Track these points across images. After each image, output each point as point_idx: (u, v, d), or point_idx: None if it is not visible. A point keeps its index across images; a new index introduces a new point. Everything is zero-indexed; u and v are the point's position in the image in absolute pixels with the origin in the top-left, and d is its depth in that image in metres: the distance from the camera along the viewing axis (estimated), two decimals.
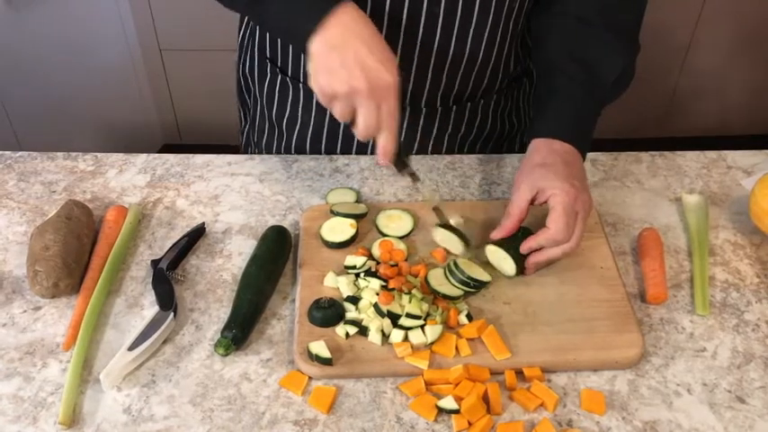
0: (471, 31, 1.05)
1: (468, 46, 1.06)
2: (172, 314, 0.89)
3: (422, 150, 1.20)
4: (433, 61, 1.07)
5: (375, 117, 0.87)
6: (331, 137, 1.19)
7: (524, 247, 0.93)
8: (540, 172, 0.93)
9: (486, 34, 1.06)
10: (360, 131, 0.89)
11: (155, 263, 0.95)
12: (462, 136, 1.21)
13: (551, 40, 1.05)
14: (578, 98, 1.00)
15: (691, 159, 1.18)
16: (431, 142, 1.20)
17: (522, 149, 1.03)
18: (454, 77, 1.10)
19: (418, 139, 1.18)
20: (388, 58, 0.87)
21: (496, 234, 0.94)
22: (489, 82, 1.14)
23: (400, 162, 0.96)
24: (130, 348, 0.85)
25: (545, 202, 0.92)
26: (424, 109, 1.14)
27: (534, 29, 1.10)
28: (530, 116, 1.29)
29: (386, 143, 0.89)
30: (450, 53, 1.06)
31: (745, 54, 2.59)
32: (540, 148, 0.97)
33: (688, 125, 2.77)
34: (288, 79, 1.16)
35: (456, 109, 1.16)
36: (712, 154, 1.20)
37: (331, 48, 0.86)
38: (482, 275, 0.93)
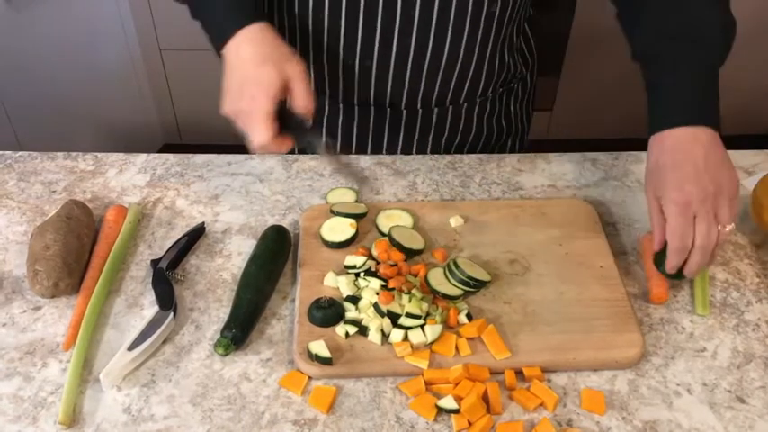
0: (448, 35, 1.05)
1: (447, 50, 1.06)
2: (171, 314, 0.89)
3: (406, 152, 1.20)
4: (410, 64, 1.08)
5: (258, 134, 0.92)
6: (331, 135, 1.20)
7: (668, 267, 0.89)
8: (653, 178, 0.89)
9: (465, 39, 1.06)
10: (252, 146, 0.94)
11: (154, 263, 0.95)
12: (447, 139, 1.21)
13: (642, 31, 0.96)
14: (686, 75, 0.91)
15: None
16: (414, 144, 1.20)
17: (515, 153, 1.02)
18: (433, 80, 1.10)
19: (401, 140, 1.18)
20: (260, 79, 0.91)
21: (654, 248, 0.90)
22: (471, 86, 1.14)
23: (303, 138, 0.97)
24: (130, 348, 0.85)
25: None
26: (404, 111, 1.14)
27: (625, 25, 1.01)
28: (522, 121, 1.29)
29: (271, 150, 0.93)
30: (428, 56, 1.07)
31: (745, 53, 2.59)
32: (652, 146, 0.91)
33: None
34: None
35: (438, 112, 1.16)
36: None
37: (227, 70, 0.95)
38: (482, 275, 0.93)
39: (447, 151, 1.22)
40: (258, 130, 0.90)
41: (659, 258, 0.90)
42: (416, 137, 1.19)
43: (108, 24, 2.35)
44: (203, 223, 1.03)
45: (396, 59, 1.07)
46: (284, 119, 0.93)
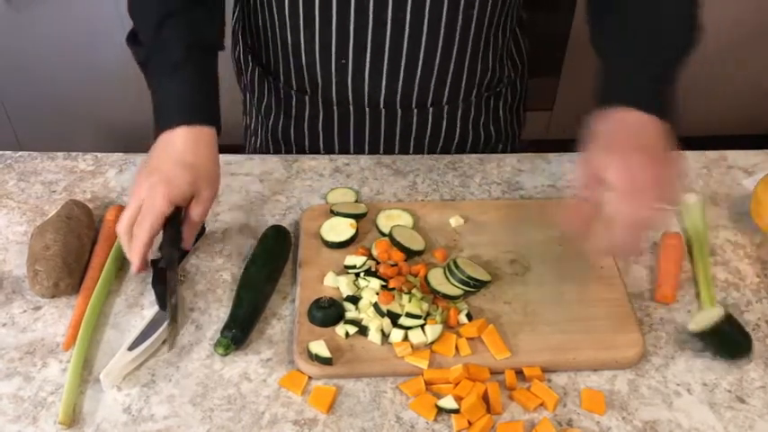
0: (423, 36, 1.04)
1: (422, 51, 1.06)
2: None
3: (388, 152, 1.19)
4: (386, 63, 1.07)
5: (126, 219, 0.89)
6: (300, 135, 1.21)
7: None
8: (599, 154, 0.82)
9: (441, 42, 1.05)
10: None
11: (154, 262, 0.95)
12: (430, 142, 1.20)
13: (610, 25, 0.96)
14: (636, 59, 0.89)
15: (691, 159, 1.18)
16: (396, 145, 1.19)
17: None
18: (411, 81, 1.10)
19: (382, 141, 1.18)
20: (162, 177, 0.89)
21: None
22: (452, 89, 1.13)
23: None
24: (130, 348, 0.85)
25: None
26: (383, 110, 1.14)
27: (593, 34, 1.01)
28: (513, 125, 1.28)
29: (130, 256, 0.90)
30: (403, 57, 1.06)
31: (746, 53, 2.59)
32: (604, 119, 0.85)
33: (688, 125, 2.76)
34: (262, 70, 1.19)
35: (418, 113, 1.15)
36: (713, 154, 1.20)
37: (154, 146, 0.93)
38: (482, 275, 0.93)
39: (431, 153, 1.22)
40: (138, 232, 0.88)
41: None
42: (397, 138, 1.18)
43: (108, 24, 2.35)
44: (204, 223, 1.03)
45: (371, 58, 1.07)
46: (171, 224, 0.91)
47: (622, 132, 0.82)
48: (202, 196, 0.91)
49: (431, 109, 1.15)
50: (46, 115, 2.52)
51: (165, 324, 0.88)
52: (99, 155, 1.18)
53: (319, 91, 1.13)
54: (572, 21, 2.40)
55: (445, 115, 1.17)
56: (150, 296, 0.94)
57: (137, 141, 2.60)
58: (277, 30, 1.09)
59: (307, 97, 1.16)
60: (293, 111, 1.18)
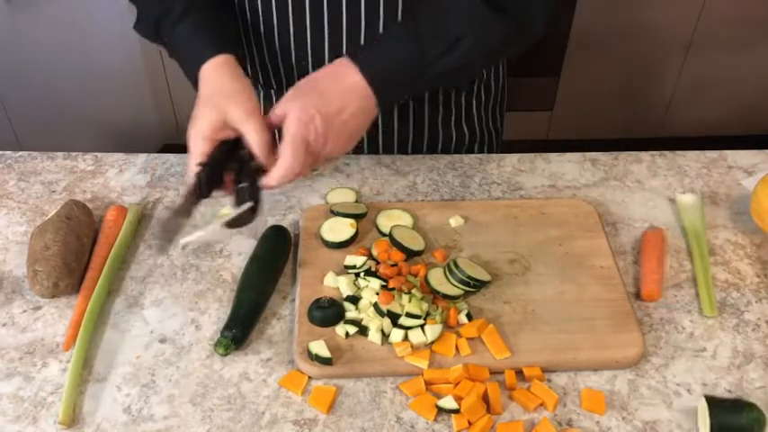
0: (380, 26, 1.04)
1: (363, 14, 1.04)
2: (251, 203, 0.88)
3: (356, 152, 1.18)
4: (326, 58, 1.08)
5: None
6: None
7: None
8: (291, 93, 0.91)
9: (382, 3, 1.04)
10: None
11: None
12: (399, 141, 1.19)
13: None
14: (405, 42, 0.91)
15: (691, 159, 1.18)
16: (365, 144, 1.18)
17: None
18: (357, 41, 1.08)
19: (366, 141, 1.18)
20: (196, 115, 0.90)
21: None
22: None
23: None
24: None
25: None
26: None
27: None
28: (489, 126, 1.26)
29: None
30: (344, 19, 1.05)
31: (746, 53, 2.59)
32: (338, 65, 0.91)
33: (688, 125, 2.77)
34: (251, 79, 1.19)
35: (399, 110, 1.15)
36: (713, 154, 1.20)
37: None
38: (482, 275, 0.93)
39: (401, 153, 1.21)
40: (190, 166, 0.89)
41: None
42: (365, 136, 1.17)
43: (108, 24, 2.35)
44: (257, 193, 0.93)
45: (329, 58, 1.06)
46: (241, 168, 0.90)
47: (333, 78, 0.90)
48: (235, 118, 0.89)
49: (395, 107, 1.14)
50: (46, 115, 2.52)
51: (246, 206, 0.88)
52: (99, 155, 1.18)
53: (284, 90, 1.13)
54: (572, 21, 2.40)
55: (411, 113, 1.16)
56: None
57: (137, 141, 2.60)
58: (262, 35, 1.09)
59: (274, 94, 1.16)
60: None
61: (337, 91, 0.89)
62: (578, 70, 2.57)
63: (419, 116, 1.17)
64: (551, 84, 2.60)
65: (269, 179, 0.88)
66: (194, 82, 0.96)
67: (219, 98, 0.90)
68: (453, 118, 1.19)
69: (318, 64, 1.04)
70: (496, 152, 1.30)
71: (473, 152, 1.25)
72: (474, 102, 1.20)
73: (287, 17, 1.04)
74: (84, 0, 2.30)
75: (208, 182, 0.89)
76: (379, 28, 1.02)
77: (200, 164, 0.89)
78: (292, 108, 0.88)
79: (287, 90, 0.92)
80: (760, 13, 2.48)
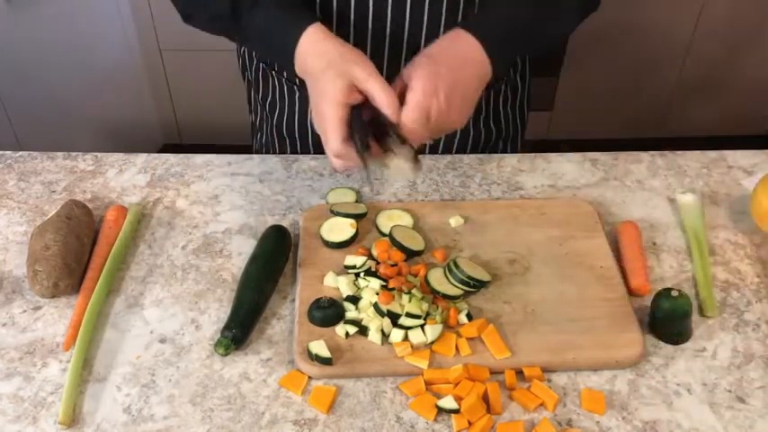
0: (424, 25, 1.04)
1: (422, 42, 1.05)
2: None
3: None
4: (386, 54, 1.07)
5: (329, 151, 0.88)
6: (303, 130, 1.21)
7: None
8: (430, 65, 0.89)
9: (441, 31, 1.05)
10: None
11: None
12: (446, 143, 1.20)
13: None
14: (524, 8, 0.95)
15: (691, 159, 1.18)
16: None
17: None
18: (416, 43, 1.08)
19: None
20: (322, 86, 0.87)
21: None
22: None
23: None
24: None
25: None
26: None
27: None
28: (515, 123, 1.28)
29: (325, 145, 0.88)
30: (404, 48, 1.06)
31: (746, 54, 2.59)
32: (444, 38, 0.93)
33: (688, 125, 2.77)
34: (266, 65, 1.19)
35: None
36: (713, 154, 1.20)
37: (308, 87, 0.92)
38: (482, 275, 0.93)
39: (432, 152, 1.22)
40: (329, 138, 0.86)
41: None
42: None
43: (108, 24, 2.35)
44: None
45: (371, 51, 1.06)
46: (377, 131, 0.87)
47: (452, 50, 0.90)
48: (359, 77, 0.87)
49: None
50: (46, 115, 2.52)
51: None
52: (99, 155, 1.18)
53: None
54: None
55: None
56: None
57: (137, 141, 2.60)
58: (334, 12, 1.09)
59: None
60: (297, 105, 1.18)
61: (458, 63, 0.89)
62: (578, 70, 2.57)
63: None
64: (551, 84, 2.60)
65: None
66: (288, 60, 0.92)
67: (339, 63, 0.87)
68: (483, 116, 1.21)
69: (362, 27, 1.05)
70: (519, 149, 1.31)
71: (497, 150, 1.27)
72: (501, 100, 1.22)
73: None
74: (84, 0, 2.30)
75: (363, 144, 0.87)
76: (406, 14, 1.03)
77: (354, 131, 0.87)
78: (417, 77, 0.87)
79: None
80: (759, 14, 2.48)
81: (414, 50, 1.06)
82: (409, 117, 0.86)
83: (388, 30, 1.06)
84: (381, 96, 0.86)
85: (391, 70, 1.10)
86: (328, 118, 0.86)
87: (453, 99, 0.88)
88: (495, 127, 1.24)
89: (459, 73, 0.89)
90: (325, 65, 0.88)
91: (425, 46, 1.00)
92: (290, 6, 0.95)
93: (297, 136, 1.22)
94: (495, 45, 0.91)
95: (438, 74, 0.87)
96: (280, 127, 1.23)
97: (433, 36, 1.02)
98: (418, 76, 0.87)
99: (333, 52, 0.89)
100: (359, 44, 1.07)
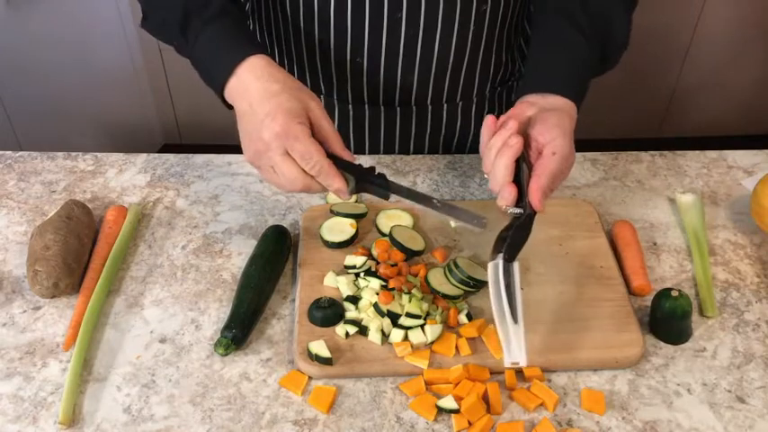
0: (437, 33, 1.05)
1: (437, 48, 1.07)
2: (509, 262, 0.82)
3: (403, 150, 1.20)
4: (400, 61, 1.08)
5: (290, 166, 0.81)
6: None
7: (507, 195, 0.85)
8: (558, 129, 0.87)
9: (455, 38, 1.06)
10: (284, 188, 0.84)
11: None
12: (445, 137, 1.21)
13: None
14: (584, 52, 0.94)
15: (691, 159, 1.18)
16: (412, 142, 1.20)
17: None
18: (426, 78, 1.11)
19: (398, 138, 1.18)
20: (271, 108, 0.82)
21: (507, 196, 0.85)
22: (466, 85, 1.14)
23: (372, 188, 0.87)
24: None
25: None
26: (398, 108, 1.14)
27: None
28: None
29: (327, 184, 0.83)
30: (418, 54, 1.07)
31: (746, 54, 2.59)
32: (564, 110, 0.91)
33: (688, 125, 2.77)
34: None
35: (432, 110, 1.16)
36: (713, 154, 1.20)
37: (237, 115, 0.87)
38: (482, 275, 0.93)
39: (446, 150, 1.22)
40: (310, 150, 0.80)
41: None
42: (413, 135, 1.19)
43: (108, 24, 2.35)
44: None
45: (386, 57, 1.07)
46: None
47: (566, 118, 0.88)
48: (313, 106, 0.84)
49: (445, 105, 1.15)
50: (46, 115, 2.52)
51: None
52: (99, 155, 1.18)
53: (334, 91, 1.14)
54: None
55: (460, 111, 1.18)
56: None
57: (137, 141, 2.59)
58: (290, 28, 1.09)
59: (321, 97, 1.16)
60: None
61: (566, 124, 0.88)
62: None
63: (466, 113, 1.19)
64: None
65: (536, 202, 0.84)
66: (221, 83, 0.88)
67: (294, 91, 0.84)
68: (496, 113, 1.21)
69: (374, 59, 1.05)
70: None
71: None
72: (513, 96, 1.22)
73: (345, 9, 1.02)
74: (85, 0, 2.30)
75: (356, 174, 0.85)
76: (438, 16, 1.03)
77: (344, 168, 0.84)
78: (559, 145, 0.85)
79: (338, 94, 0.89)
80: (759, 14, 2.48)
81: (425, 75, 1.09)
82: (536, 198, 0.83)
83: (400, 59, 1.07)
84: (330, 130, 0.84)
85: (403, 93, 1.12)
86: (302, 135, 0.81)
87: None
88: None
89: (570, 135, 0.88)
90: (280, 88, 0.84)
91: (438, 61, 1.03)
92: (245, 33, 0.93)
93: None
94: (576, 92, 0.92)
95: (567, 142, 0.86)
96: None
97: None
98: (561, 144, 0.85)
99: (284, 79, 0.86)
100: (371, 69, 1.08)
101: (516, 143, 0.83)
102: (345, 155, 0.85)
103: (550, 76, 0.93)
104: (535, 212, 0.84)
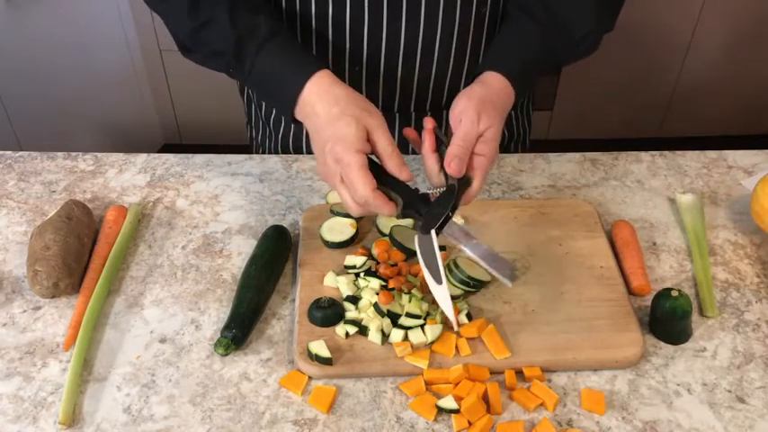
0: (437, 37, 1.05)
1: (437, 52, 1.07)
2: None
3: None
4: (400, 67, 1.08)
5: (345, 193, 0.84)
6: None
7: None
8: (485, 105, 0.89)
9: (455, 41, 1.06)
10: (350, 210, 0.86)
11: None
12: None
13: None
14: (533, 37, 0.97)
15: (691, 159, 1.18)
16: (410, 147, 1.20)
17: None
18: (426, 84, 1.11)
19: (396, 143, 1.19)
20: (330, 135, 0.84)
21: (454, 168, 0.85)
22: None
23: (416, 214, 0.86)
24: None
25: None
26: (397, 114, 1.15)
27: None
28: (523, 125, 1.29)
29: (375, 210, 0.84)
30: (418, 59, 1.07)
31: (745, 54, 2.59)
32: (487, 81, 0.94)
33: (688, 125, 2.77)
34: None
35: (432, 116, 1.15)
36: (712, 154, 1.20)
37: (309, 133, 0.89)
38: (482, 275, 0.93)
39: None
40: (357, 187, 0.81)
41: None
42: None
43: (108, 24, 2.35)
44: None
45: (385, 63, 1.07)
46: (381, 181, 0.84)
47: (475, 87, 0.92)
48: (373, 125, 0.85)
49: (444, 112, 1.15)
50: (46, 115, 2.52)
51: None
52: (99, 155, 1.18)
53: None
54: None
55: None
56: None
57: (137, 141, 2.59)
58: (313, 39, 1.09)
59: None
60: None
61: (499, 100, 0.91)
62: (578, 70, 2.57)
63: None
64: (551, 83, 2.60)
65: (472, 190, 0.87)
66: (290, 107, 0.89)
67: (353, 110, 0.85)
68: None
69: (373, 64, 1.05)
70: (528, 149, 1.32)
71: (509, 151, 1.27)
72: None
73: (344, 17, 1.02)
74: (85, 0, 2.30)
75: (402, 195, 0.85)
76: (438, 19, 1.03)
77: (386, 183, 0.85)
78: (462, 109, 0.88)
79: None
80: (759, 14, 2.48)
81: (424, 81, 1.09)
82: (447, 161, 0.85)
83: (400, 65, 1.07)
84: (387, 149, 0.85)
85: (403, 99, 1.12)
86: (353, 166, 0.82)
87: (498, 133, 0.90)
88: (507, 130, 1.24)
89: (502, 111, 0.91)
90: (339, 111, 0.85)
91: (435, 73, 1.02)
92: (300, 50, 0.93)
93: (304, 149, 1.21)
94: (518, 78, 0.94)
95: (481, 105, 0.88)
96: (285, 141, 1.22)
97: (443, 63, 1.05)
98: (463, 111, 0.88)
99: (346, 99, 0.86)
100: (370, 77, 1.08)
101: (427, 139, 0.89)
102: (401, 174, 0.85)
103: (493, 57, 0.96)
104: (454, 185, 0.85)
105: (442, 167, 0.87)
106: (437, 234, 0.85)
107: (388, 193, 0.84)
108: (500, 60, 0.95)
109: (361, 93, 1.09)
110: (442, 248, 0.88)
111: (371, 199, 0.82)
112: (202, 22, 0.92)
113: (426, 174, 0.89)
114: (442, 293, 0.83)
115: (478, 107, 0.88)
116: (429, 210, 0.85)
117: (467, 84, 1.12)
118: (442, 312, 0.89)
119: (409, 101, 1.12)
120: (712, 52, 2.57)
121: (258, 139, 1.29)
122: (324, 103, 0.86)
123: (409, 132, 0.91)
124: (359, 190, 0.82)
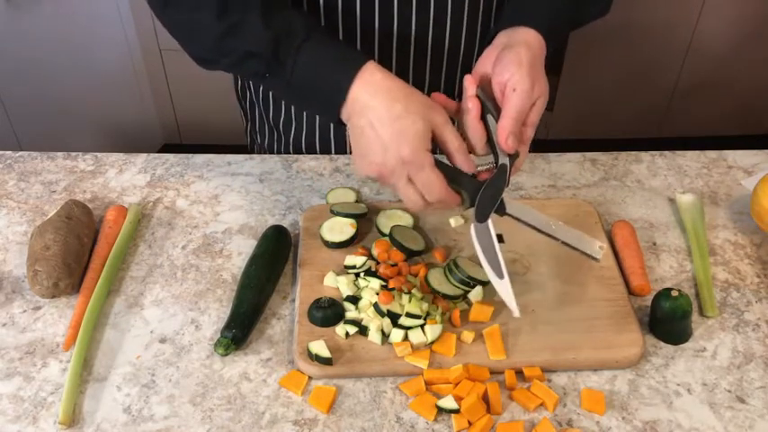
0: (448, 20, 1.04)
1: (447, 37, 1.06)
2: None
3: None
4: (412, 55, 1.07)
5: (413, 193, 0.82)
6: (325, 138, 1.19)
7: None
8: (536, 71, 0.87)
9: (465, 24, 1.06)
10: (406, 204, 0.85)
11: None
12: None
13: None
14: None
15: (691, 159, 1.18)
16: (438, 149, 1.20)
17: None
18: (438, 68, 1.10)
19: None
20: (395, 133, 0.80)
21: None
22: None
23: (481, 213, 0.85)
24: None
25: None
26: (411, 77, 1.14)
27: None
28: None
29: (443, 207, 0.84)
30: (429, 45, 1.06)
31: (745, 54, 2.59)
32: (527, 41, 0.90)
33: (688, 125, 2.77)
34: None
35: (446, 79, 1.15)
36: (712, 154, 1.20)
37: (354, 131, 0.84)
38: (482, 275, 0.93)
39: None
40: (431, 182, 0.80)
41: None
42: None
43: (108, 24, 2.35)
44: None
45: (397, 52, 1.07)
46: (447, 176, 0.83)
47: (523, 51, 0.87)
48: (439, 122, 0.82)
49: (457, 100, 1.15)
50: (46, 115, 2.52)
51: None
52: (99, 155, 1.18)
53: None
54: None
55: None
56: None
57: (137, 141, 2.60)
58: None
59: None
60: (316, 118, 1.17)
61: (541, 60, 0.89)
62: (578, 70, 2.57)
63: None
64: (551, 83, 2.59)
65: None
66: (337, 106, 0.84)
67: (416, 108, 0.82)
68: None
69: (386, 51, 1.04)
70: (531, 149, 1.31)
71: None
72: None
73: (354, 5, 1.01)
74: (85, 0, 2.30)
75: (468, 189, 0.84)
76: (448, 7, 1.03)
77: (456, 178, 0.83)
78: (517, 80, 0.84)
79: None
80: (760, 13, 2.48)
81: (438, 53, 1.07)
82: (502, 138, 0.83)
83: (413, 34, 1.06)
84: (455, 143, 0.83)
85: (417, 73, 1.11)
86: (427, 167, 0.80)
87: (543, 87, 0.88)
88: None
89: (542, 63, 0.89)
90: (402, 109, 0.81)
91: (449, 48, 1.00)
92: (341, 44, 0.90)
93: (317, 149, 1.21)
94: (551, 31, 0.91)
95: (534, 71, 0.85)
96: (298, 143, 1.21)
97: (456, 37, 1.03)
98: (519, 81, 0.84)
99: (404, 94, 0.82)
100: (383, 50, 1.07)
101: (473, 107, 0.85)
102: (467, 167, 0.84)
103: (520, 11, 0.93)
104: (505, 165, 0.84)
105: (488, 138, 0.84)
106: (501, 215, 0.84)
107: (454, 187, 0.84)
108: (530, 14, 0.91)
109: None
110: (499, 238, 0.86)
111: (444, 197, 0.82)
112: (232, 24, 0.87)
113: (470, 144, 0.85)
114: (504, 288, 0.83)
115: (531, 74, 0.84)
116: (482, 195, 0.83)
117: (481, 46, 1.11)
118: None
119: (422, 83, 1.11)
120: (712, 52, 2.57)
121: (265, 144, 1.27)
122: (379, 99, 0.82)
123: (438, 96, 0.87)
124: (434, 189, 0.81)
